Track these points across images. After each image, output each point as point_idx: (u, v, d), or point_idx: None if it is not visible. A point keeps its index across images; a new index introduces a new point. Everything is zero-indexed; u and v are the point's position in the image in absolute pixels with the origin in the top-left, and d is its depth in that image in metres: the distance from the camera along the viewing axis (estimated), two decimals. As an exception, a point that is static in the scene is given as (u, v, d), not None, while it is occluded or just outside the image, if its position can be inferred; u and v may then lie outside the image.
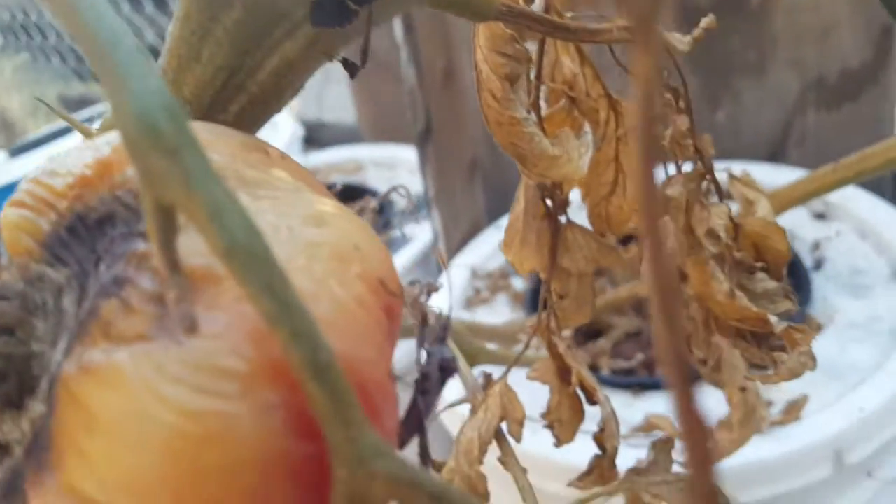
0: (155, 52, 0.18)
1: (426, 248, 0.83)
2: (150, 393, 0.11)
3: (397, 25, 0.67)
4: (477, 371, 0.30)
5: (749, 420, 0.33)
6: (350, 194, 0.86)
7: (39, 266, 0.14)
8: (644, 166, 0.06)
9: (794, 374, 0.23)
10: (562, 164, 0.22)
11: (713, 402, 0.34)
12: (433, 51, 0.69)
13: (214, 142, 0.15)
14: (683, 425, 0.07)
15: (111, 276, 0.13)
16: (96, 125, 0.20)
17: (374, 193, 0.93)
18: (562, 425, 0.29)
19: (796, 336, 0.23)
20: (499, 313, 0.65)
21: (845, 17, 0.67)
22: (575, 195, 0.28)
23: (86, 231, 0.15)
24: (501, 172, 0.79)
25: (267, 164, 0.16)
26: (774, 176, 0.56)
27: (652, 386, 0.53)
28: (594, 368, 0.56)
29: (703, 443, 0.06)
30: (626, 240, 0.32)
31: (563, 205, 0.27)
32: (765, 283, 0.24)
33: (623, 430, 0.49)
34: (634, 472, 0.25)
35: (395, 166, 1.05)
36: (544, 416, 0.29)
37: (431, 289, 0.31)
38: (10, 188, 0.16)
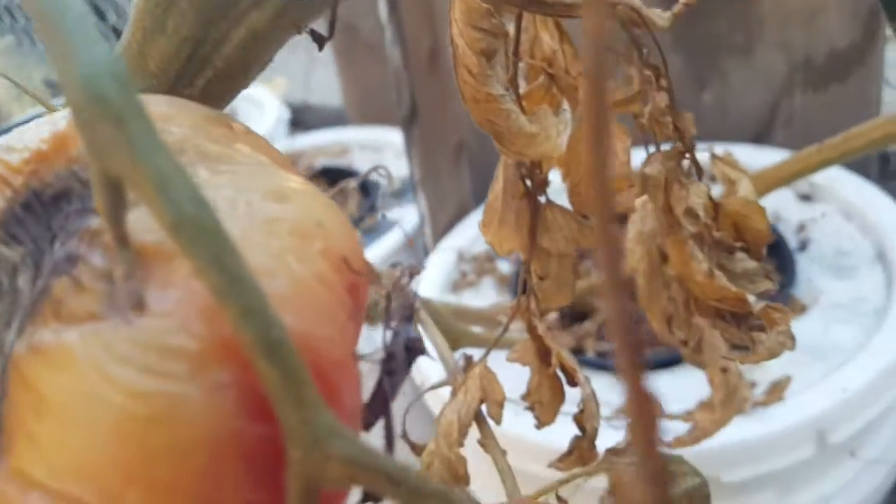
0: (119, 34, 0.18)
1: (412, 232, 0.83)
2: (98, 374, 0.10)
3: (382, 4, 0.66)
4: (459, 354, 0.30)
5: (731, 400, 0.33)
6: (335, 177, 0.85)
7: (-8, 245, 0.14)
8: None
9: (773, 354, 0.22)
10: (539, 141, 0.22)
11: (696, 383, 0.34)
12: (418, 29, 0.68)
13: (175, 115, 0.15)
14: (631, 405, 0.06)
15: (64, 253, 0.13)
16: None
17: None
18: (542, 407, 0.28)
19: (775, 316, 0.22)
20: (485, 296, 0.65)
21: (833, -3, 0.67)
22: (557, 176, 0.27)
23: (41, 208, 0.14)
24: (488, 155, 0.78)
25: (230, 139, 0.15)
26: (759, 157, 0.56)
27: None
28: (579, 351, 0.56)
29: (651, 422, 0.06)
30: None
31: (542, 184, 0.26)
32: (744, 262, 0.24)
33: (607, 411, 0.49)
34: (613, 452, 0.25)
35: (381, 149, 1.04)
36: (525, 397, 0.29)
37: (414, 271, 0.31)
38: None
